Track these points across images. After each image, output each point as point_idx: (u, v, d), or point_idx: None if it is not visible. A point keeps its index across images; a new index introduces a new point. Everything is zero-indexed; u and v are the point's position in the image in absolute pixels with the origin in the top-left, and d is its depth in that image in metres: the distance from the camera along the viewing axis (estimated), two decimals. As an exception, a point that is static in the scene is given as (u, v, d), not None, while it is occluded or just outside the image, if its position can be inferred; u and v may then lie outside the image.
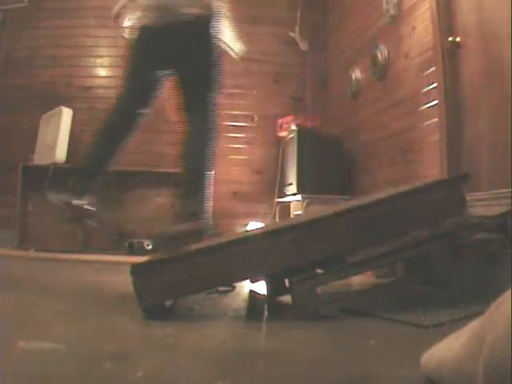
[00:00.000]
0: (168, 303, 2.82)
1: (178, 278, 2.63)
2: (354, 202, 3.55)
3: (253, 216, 7.26)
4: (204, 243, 3.07)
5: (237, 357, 1.93)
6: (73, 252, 6.25)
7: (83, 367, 1.74)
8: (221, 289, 3.41)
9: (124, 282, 2.66)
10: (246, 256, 2.65)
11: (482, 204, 3.69)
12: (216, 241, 3.15)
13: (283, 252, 2.65)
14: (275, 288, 3.10)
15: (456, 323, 2.40)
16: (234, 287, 3.54)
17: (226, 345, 2.15)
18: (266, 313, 2.88)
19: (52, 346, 1.98)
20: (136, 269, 2.65)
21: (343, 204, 3.50)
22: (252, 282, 3.42)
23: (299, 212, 5.86)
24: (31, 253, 6.22)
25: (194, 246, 2.89)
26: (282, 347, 2.08)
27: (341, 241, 2.71)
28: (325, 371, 1.73)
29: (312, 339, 2.25)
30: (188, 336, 2.28)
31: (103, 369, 1.72)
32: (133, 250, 6.35)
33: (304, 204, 5.86)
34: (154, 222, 7.06)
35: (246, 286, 3.60)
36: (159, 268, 2.68)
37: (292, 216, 6.18)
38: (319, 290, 2.71)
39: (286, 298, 2.81)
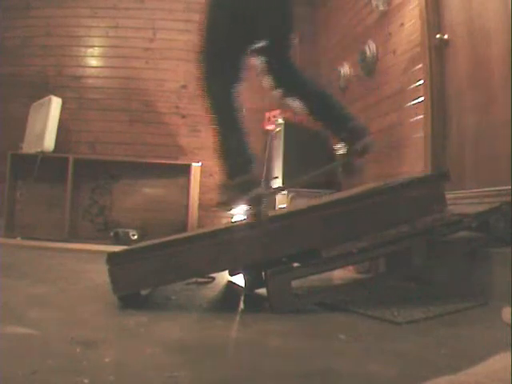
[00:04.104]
0: (144, 292, 2.83)
1: (154, 267, 2.64)
2: (330, 197, 3.56)
3: (238, 208, 7.27)
4: (180, 234, 3.09)
5: (204, 347, 1.95)
6: (59, 241, 6.25)
7: (54, 351, 1.77)
8: (200, 280, 3.42)
9: (105, 271, 2.67)
10: (220, 248, 2.66)
11: (465, 202, 3.70)
12: (192, 232, 3.16)
13: (257, 245, 2.66)
14: (253, 280, 3.11)
15: (430, 321, 2.43)
16: (214, 278, 3.55)
17: (196, 335, 2.17)
18: (241, 305, 2.90)
19: (25, 331, 2.00)
20: (112, 257, 2.66)
21: (322, 198, 3.49)
22: (231, 274, 3.43)
23: (284, 205, 5.86)
24: (18, 240, 6.21)
25: (172, 237, 2.90)
26: (250, 339, 2.09)
27: (316, 235, 2.72)
28: (287, 364, 1.75)
29: (282, 332, 2.26)
30: (160, 325, 2.30)
31: (73, 353, 1.74)
32: (118, 239, 6.36)
33: (289, 198, 5.87)
34: (141, 211, 7.11)
35: (225, 278, 3.60)
36: (135, 257, 2.69)
37: (277, 209, 6.18)
38: (297, 283, 2.72)
39: (263, 291, 2.82)
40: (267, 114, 7.05)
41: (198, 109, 7.41)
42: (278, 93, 3.55)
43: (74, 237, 6.70)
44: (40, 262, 4.50)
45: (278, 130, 6.56)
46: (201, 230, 3.20)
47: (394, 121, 5.10)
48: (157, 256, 2.65)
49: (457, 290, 3.07)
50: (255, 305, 2.90)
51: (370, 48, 5.63)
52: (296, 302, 2.68)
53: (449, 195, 3.12)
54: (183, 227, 6.64)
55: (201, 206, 7.15)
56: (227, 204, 3.15)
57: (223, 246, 2.66)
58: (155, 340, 2.01)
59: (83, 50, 7.47)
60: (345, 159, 3.30)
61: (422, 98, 4.56)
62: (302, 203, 3.73)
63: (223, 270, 3.09)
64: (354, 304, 2.73)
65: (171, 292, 3.07)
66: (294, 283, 2.67)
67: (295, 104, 3.55)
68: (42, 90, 7.05)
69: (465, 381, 1.36)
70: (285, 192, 5.96)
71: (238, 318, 2.55)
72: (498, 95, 3.70)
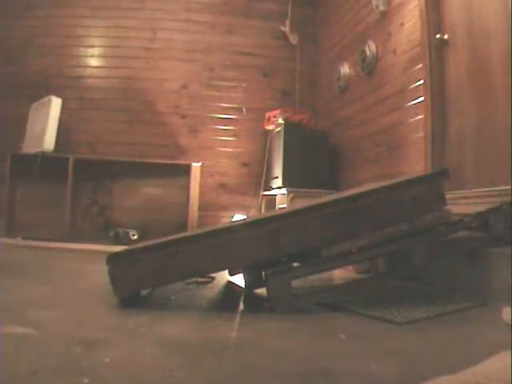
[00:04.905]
0: (144, 292, 2.83)
1: (154, 267, 2.64)
2: (330, 197, 3.55)
3: (239, 208, 7.29)
4: (180, 234, 3.09)
5: (205, 347, 1.94)
6: (59, 240, 6.24)
7: (54, 351, 1.76)
8: (200, 280, 3.42)
9: (105, 271, 2.67)
10: (220, 248, 2.65)
11: (465, 202, 3.70)
12: (192, 232, 3.15)
13: (257, 245, 2.65)
14: (253, 280, 3.11)
15: (430, 320, 2.43)
16: (214, 278, 3.55)
17: (196, 335, 2.16)
18: (241, 305, 2.90)
19: (25, 331, 2.00)
20: (112, 258, 2.66)
21: (321, 198, 3.49)
22: (231, 274, 3.43)
23: (284, 205, 5.87)
24: (18, 240, 6.21)
25: (171, 237, 2.89)
26: (251, 339, 2.09)
27: (316, 235, 2.71)
28: (288, 364, 1.74)
29: (282, 332, 2.25)
30: (160, 325, 2.29)
31: (72, 353, 1.74)
32: (119, 239, 6.35)
33: (289, 198, 5.87)
34: (141, 211, 7.11)
35: (225, 278, 3.60)
36: (135, 257, 2.68)
37: (277, 209, 6.18)
38: (297, 283, 2.72)
39: (263, 291, 2.82)
40: (267, 114, 7.06)
41: (197, 109, 7.47)
42: None
43: (74, 237, 6.69)
44: (40, 262, 4.50)
45: (278, 130, 6.55)
46: (201, 230, 3.19)
47: (394, 121, 5.10)
48: (156, 256, 2.64)
49: (457, 290, 3.08)
50: (255, 305, 2.91)
51: (370, 48, 5.63)
52: (296, 302, 2.68)
53: (449, 195, 3.12)
54: (183, 227, 6.64)
55: (201, 206, 7.16)
56: None
57: (223, 246, 2.66)
58: (155, 340, 2.01)
59: (83, 50, 7.47)
60: None
61: (422, 98, 4.56)
62: (302, 203, 3.72)
63: (223, 269, 3.09)
64: (353, 304, 2.74)
65: (171, 292, 3.07)
66: (294, 283, 2.67)
67: None
68: (42, 90, 7.05)
69: (465, 381, 1.36)
70: (285, 192, 5.97)
71: (238, 317, 2.55)
72: (497, 95, 3.70)
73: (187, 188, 7.03)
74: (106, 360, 1.68)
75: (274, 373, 1.64)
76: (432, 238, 2.98)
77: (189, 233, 3.22)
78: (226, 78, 7.56)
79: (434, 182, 2.96)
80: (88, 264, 4.37)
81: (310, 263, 2.73)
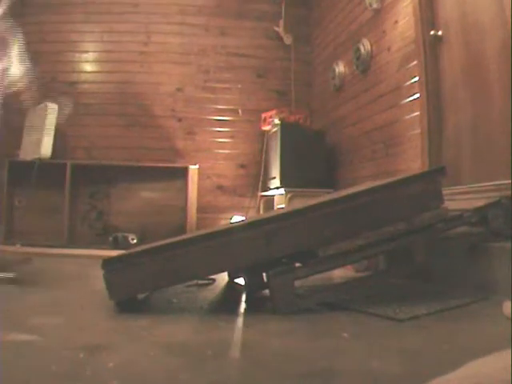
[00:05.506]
0: (141, 296, 2.83)
1: (151, 271, 2.63)
2: (327, 196, 3.55)
3: (237, 210, 7.29)
4: (177, 237, 3.08)
5: (207, 349, 1.93)
6: (58, 247, 6.24)
7: (57, 357, 1.76)
8: (200, 282, 3.42)
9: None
10: (217, 250, 2.65)
11: (463, 197, 3.70)
12: (189, 234, 3.15)
13: (254, 246, 2.65)
14: (254, 282, 3.11)
15: (432, 317, 2.43)
16: (214, 280, 3.55)
17: (198, 337, 2.16)
18: (243, 306, 2.90)
19: (27, 338, 2.00)
20: (106, 263, 2.65)
21: (319, 198, 3.49)
22: (232, 279, 3.43)
23: (282, 205, 5.87)
24: (17, 247, 6.20)
25: (168, 240, 2.89)
26: (253, 340, 2.09)
27: (314, 235, 2.71)
28: (289, 363, 1.75)
29: (284, 332, 2.25)
30: (162, 328, 2.30)
31: (76, 359, 1.74)
32: (117, 244, 6.34)
33: (287, 198, 5.88)
34: (139, 215, 7.10)
35: (225, 280, 3.60)
36: (130, 262, 2.67)
37: (275, 209, 6.18)
38: (297, 283, 2.72)
39: (265, 292, 2.82)
40: (263, 115, 7.06)
41: (193, 111, 7.47)
42: None
43: (73, 242, 6.70)
44: (40, 269, 4.50)
45: (274, 130, 6.56)
46: (198, 233, 3.19)
47: (390, 118, 5.10)
48: (153, 260, 2.64)
49: (457, 286, 3.08)
50: (257, 306, 2.91)
51: (365, 46, 5.63)
52: (298, 302, 2.67)
53: (447, 191, 3.12)
54: (182, 230, 6.64)
55: (199, 209, 7.16)
56: None
57: (220, 248, 2.65)
58: (158, 343, 2.01)
59: (78, 55, 7.47)
60: None
61: (417, 95, 4.57)
62: (300, 203, 3.72)
63: (221, 271, 3.09)
64: (355, 302, 2.74)
65: (172, 294, 3.07)
66: (295, 283, 2.67)
67: None
68: (38, 96, 7.04)
69: (465, 380, 1.36)
70: (283, 192, 5.97)
71: (239, 319, 2.55)
72: (493, 89, 3.71)
73: (185, 191, 7.03)
74: (110, 365, 1.68)
75: (277, 373, 1.64)
76: (430, 236, 2.98)
77: (186, 235, 3.21)
78: (221, 80, 7.56)
79: (431, 180, 2.96)
80: (88, 269, 4.36)
81: (311, 263, 2.73)
